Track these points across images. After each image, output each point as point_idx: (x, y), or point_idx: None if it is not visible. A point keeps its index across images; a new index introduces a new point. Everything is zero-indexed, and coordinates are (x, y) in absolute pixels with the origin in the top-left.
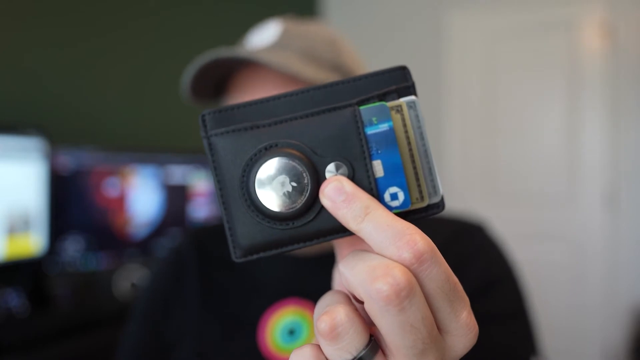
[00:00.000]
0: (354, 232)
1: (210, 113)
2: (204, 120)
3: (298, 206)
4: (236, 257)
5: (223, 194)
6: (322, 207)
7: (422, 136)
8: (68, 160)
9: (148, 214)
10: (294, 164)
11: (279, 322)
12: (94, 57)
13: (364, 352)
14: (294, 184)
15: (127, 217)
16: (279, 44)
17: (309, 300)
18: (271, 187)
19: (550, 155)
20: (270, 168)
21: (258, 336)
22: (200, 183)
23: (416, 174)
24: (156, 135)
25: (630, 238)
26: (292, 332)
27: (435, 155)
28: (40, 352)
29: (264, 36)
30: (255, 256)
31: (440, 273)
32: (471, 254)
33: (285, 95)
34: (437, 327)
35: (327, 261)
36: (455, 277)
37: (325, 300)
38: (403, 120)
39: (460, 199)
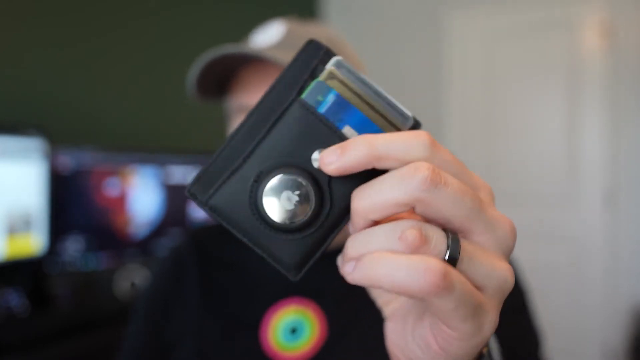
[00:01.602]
0: (372, 162)
1: (192, 186)
2: (193, 195)
3: (313, 205)
4: (294, 278)
5: (250, 238)
6: (333, 193)
7: (364, 82)
8: (68, 160)
9: (148, 214)
10: (286, 177)
11: (280, 321)
12: (94, 57)
13: (450, 236)
14: (298, 192)
15: (127, 217)
16: (282, 44)
17: (310, 299)
18: (282, 206)
19: (550, 155)
20: (271, 193)
21: (260, 335)
22: None
23: (382, 115)
24: (156, 136)
25: (630, 238)
26: (294, 331)
27: None
28: (40, 352)
29: (268, 36)
30: (307, 266)
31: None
32: None
33: (237, 132)
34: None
35: (327, 261)
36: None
37: (388, 226)
38: (341, 81)
39: None
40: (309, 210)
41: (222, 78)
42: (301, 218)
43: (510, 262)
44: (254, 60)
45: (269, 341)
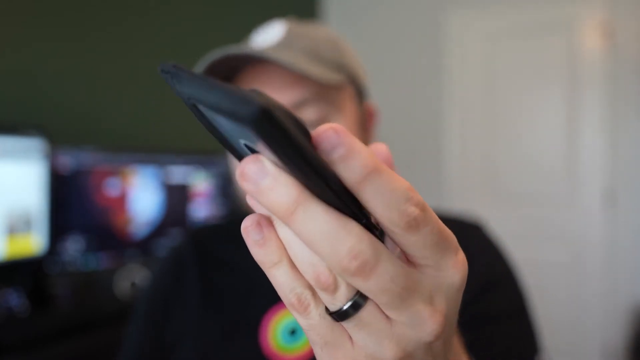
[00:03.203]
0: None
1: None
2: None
3: None
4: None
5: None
6: None
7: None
8: (68, 160)
9: (148, 214)
10: None
11: (280, 322)
12: (94, 57)
13: (357, 296)
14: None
15: (127, 217)
16: (284, 44)
17: None
18: None
19: (550, 155)
20: None
21: (260, 336)
22: (200, 183)
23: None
24: (156, 136)
25: (629, 238)
26: (293, 332)
27: (435, 155)
28: (41, 352)
29: (269, 36)
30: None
31: (433, 230)
32: (470, 254)
33: None
34: (420, 267)
35: None
36: (442, 225)
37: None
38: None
39: (460, 198)
40: None
41: (224, 78)
42: None
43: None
44: (256, 61)
45: (268, 342)
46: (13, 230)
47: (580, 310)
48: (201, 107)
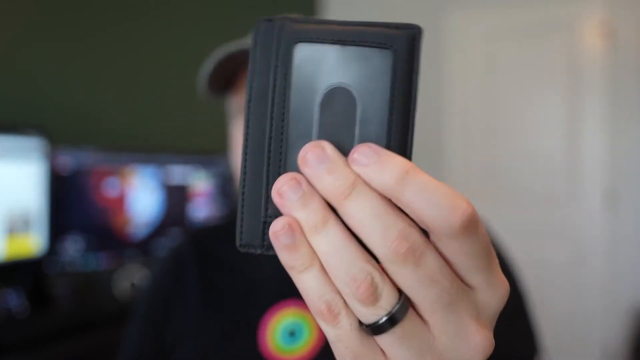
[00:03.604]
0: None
1: (242, 238)
2: (249, 246)
3: None
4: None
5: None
6: None
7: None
8: (68, 160)
9: (148, 214)
10: None
11: (279, 323)
12: (94, 57)
13: (397, 306)
14: None
15: (127, 217)
16: None
17: None
18: None
19: (550, 155)
20: None
21: (258, 337)
22: (200, 183)
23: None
24: (156, 136)
25: (630, 237)
26: (292, 334)
27: (435, 155)
28: (40, 353)
29: None
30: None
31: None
32: None
33: (245, 160)
34: (465, 283)
35: None
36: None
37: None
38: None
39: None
40: None
41: (229, 75)
42: None
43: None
44: None
45: (267, 343)
46: (12, 230)
47: (581, 310)
48: (304, 52)
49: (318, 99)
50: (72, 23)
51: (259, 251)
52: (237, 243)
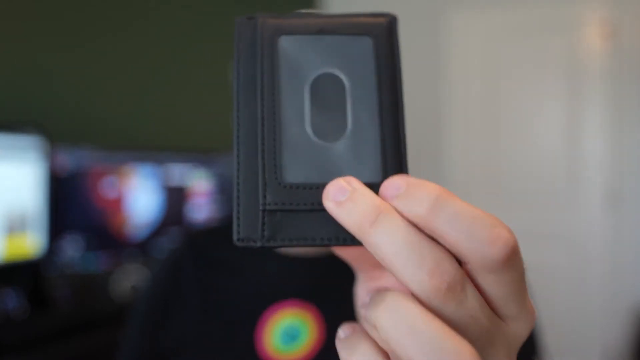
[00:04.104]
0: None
1: (239, 232)
2: (247, 240)
3: None
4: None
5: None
6: None
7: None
8: (67, 159)
9: (147, 213)
10: None
11: (277, 324)
12: (93, 55)
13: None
14: None
15: (126, 216)
16: None
17: (309, 302)
18: None
19: (551, 155)
20: None
21: (256, 338)
22: (200, 182)
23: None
24: (155, 134)
25: (631, 238)
26: (291, 335)
27: (436, 155)
28: (39, 353)
29: None
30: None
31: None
32: None
33: (238, 152)
34: (498, 314)
35: (327, 262)
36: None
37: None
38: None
39: (461, 198)
40: None
41: None
42: None
43: None
44: None
45: (265, 345)
46: (11, 230)
47: (581, 311)
48: (288, 44)
49: (307, 85)
50: (70, 21)
51: (258, 244)
52: (235, 237)
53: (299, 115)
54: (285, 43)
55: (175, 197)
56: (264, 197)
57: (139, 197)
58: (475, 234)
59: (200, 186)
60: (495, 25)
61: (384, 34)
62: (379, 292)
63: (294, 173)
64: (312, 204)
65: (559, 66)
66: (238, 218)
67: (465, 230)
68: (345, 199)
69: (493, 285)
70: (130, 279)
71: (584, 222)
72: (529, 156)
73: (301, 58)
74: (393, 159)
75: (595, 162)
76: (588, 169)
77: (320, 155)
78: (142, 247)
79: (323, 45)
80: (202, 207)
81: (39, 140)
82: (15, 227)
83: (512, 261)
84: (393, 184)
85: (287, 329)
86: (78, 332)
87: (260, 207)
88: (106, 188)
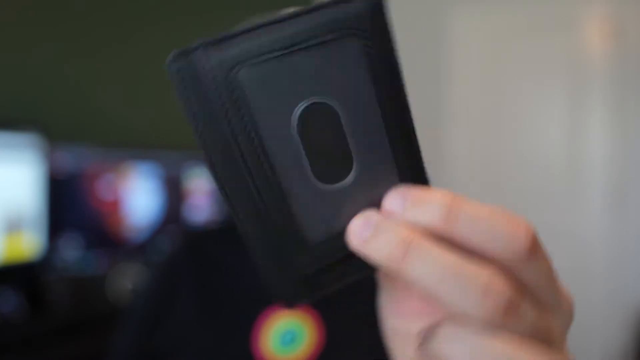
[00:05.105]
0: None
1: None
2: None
3: None
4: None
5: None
6: None
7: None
8: (65, 157)
9: (146, 212)
10: None
11: (276, 326)
12: (91, 53)
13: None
14: None
15: (125, 215)
16: None
17: (307, 305)
18: None
19: (554, 155)
20: None
21: (253, 341)
22: (199, 181)
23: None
24: (154, 133)
25: (634, 237)
26: (289, 338)
27: (436, 154)
28: (37, 354)
29: None
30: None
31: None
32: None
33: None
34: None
35: None
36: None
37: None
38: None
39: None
40: None
41: None
42: None
43: None
44: None
45: (263, 347)
46: (10, 231)
47: (583, 311)
48: (255, 70)
49: (293, 126)
50: (69, 20)
51: (311, 299)
52: (285, 306)
53: (296, 168)
54: (247, 76)
55: (174, 196)
56: (298, 268)
57: (138, 197)
58: (497, 231)
59: (199, 185)
60: (497, 25)
61: (373, 25)
62: (432, 330)
63: (316, 231)
64: (344, 249)
65: (562, 65)
66: (277, 291)
67: (487, 230)
68: (369, 237)
69: (530, 276)
70: (128, 280)
71: (586, 221)
72: (531, 156)
73: (275, 92)
74: (414, 177)
75: (598, 161)
76: (590, 168)
77: (335, 200)
78: (141, 247)
79: (297, 65)
80: (201, 206)
81: (36, 138)
82: (14, 227)
83: (537, 247)
84: (392, 199)
85: (285, 332)
86: (76, 333)
87: (299, 278)
88: (105, 188)
